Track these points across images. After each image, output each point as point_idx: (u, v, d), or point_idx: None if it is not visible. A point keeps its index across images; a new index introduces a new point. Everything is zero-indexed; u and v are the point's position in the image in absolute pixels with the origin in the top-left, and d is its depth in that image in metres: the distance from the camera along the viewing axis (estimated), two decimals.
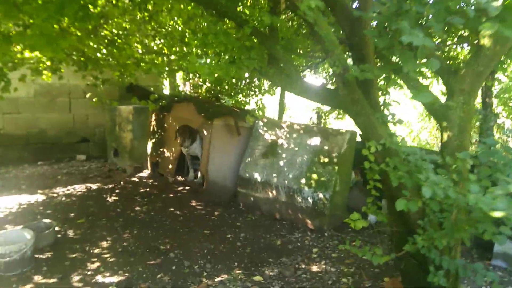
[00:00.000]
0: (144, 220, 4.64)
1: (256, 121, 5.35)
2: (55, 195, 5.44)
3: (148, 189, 5.69)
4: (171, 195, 5.47)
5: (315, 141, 4.84)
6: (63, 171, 6.73)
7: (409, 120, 12.01)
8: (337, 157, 4.57)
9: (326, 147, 4.72)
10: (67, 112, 7.81)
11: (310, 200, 4.59)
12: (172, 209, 5.01)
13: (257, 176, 5.08)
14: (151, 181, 6.07)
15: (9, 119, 7.21)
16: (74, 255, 3.79)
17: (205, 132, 5.33)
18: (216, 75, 2.67)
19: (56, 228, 4.31)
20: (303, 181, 4.69)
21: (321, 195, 4.51)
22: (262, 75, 2.78)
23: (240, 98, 6.45)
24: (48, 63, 5.38)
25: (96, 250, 3.91)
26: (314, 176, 4.63)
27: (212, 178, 5.26)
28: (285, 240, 4.30)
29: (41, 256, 3.73)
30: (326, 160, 4.64)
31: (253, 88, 6.37)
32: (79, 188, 5.74)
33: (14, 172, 6.63)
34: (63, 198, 5.28)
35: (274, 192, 4.91)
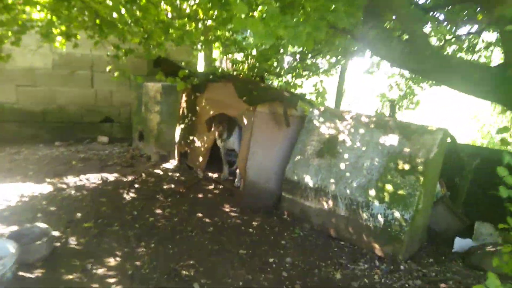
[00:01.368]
0: (165, 228, 3.75)
1: (310, 110, 4.27)
2: (64, 186, 4.66)
3: (173, 186, 4.80)
4: (200, 196, 4.55)
5: (391, 140, 3.71)
6: (80, 156, 5.98)
7: (478, 113, 10.46)
8: (424, 164, 3.44)
9: (407, 149, 3.59)
10: (89, 87, 7.05)
11: (381, 219, 3.52)
12: (200, 215, 4.08)
13: (308, 180, 4.04)
14: (177, 175, 5.18)
15: (24, 92, 6.53)
16: (70, 276, 2.95)
17: (245, 121, 4.33)
18: (267, 43, 1.65)
19: (56, 233, 3.52)
20: (372, 192, 3.61)
21: (397, 214, 3.42)
22: (355, 39, 1.72)
23: (290, 78, 5.34)
24: (63, 27, 4.54)
25: (100, 271, 3.06)
26: (389, 187, 3.53)
27: (252, 178, 4.28)
28: (347, 273, 3.27)
29: (28, 275, 2.93)
30: (407, 167, 3.52)
31: (307, 67, 5.24)
32: (94, 178, 4.94)
33: (26, 153, 5.95)
34: (73, 192, 4.49)
35: (330, 202, 3.87)
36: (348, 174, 3.83)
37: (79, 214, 3.94)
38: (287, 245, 3.66)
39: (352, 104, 9.60)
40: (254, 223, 4.02)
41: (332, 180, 3.89)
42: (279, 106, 4.21)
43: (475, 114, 9.97)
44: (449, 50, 5.45)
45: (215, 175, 5.03)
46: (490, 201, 4.06)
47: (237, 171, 4.59)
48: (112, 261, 3.20)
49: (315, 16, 1.62)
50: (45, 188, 4.56)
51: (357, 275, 3.25)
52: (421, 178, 3.41)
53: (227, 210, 4.27)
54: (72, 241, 3.47)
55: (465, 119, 10.29)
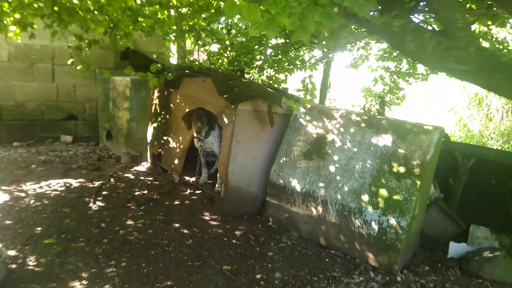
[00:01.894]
0: (138, 243, 3.38)
1: (297, 107, 3.97)
2: (22, 194, 4.18)
3: (146, 192, 4.41)
4: (177, 203, 4.19)
5: (385, 140, 3.48)
6: (41, 158, 5.46)
7: (456, 106, 10.50)
8: (420, 167, 3.22)
9: (401, 151, 3.36)
10: (50, 81, 6.49)
11: (375, 226, 3.29)
12: (177, 225, 3.73)
13: (295, 183, 3.76)
14: (150, 179, 4.78)
15: None
16: None
17: (225, 120, 3.98)
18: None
19: (12, 253, 3.07)
20: (365, 197, 3.37)
21: (393, 221, 3.19)
22: (372, 30, 1.42)
23: (273, 73, 4.99)
24: (16, 15, 4.03)
25: None
26: (383, 192, 3.30)
27: (234, 182, 3.95)
28: None
29: None
30: (402, 169, 3.30)
31: (291, 60, 4.90)
32: (56, 185, 4.47)
33: None
34: (32, 201, 4.02)
35: (320, 208, 3.60)
36: (338, 177, 3.57)
37: (39, 229, 3.50)
38: (275, 257, 3.36)
39: (336, 99, 9.37)
40: (238, 233, 3.70)
41: (321, 184, 3.62)
42: (262, 103, 3.88)
43: (452, 107, 10.00)
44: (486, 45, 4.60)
45: (193, 179, 4.66)
46: (485, 203, 3.92)
47: (218, 175, 4.25)
48: (77, 285, 2.81)
49: (325, 1, 1.30)
50: (1, 197, 4.06)
51: None
52: (418, 182, 3.19)
53: (207, 218, 3.93)
54: (31, 262, 3.04)
55: (443, 112, 10.32)
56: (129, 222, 3.71)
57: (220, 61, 4.99)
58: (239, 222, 3.90)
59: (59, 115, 6.66)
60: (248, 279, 3.03)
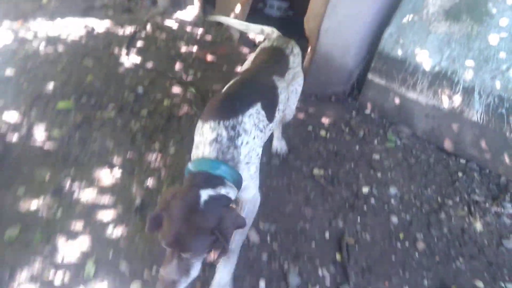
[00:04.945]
0: (189, 121, 2.40)
1: None
2: (30, 36, 3.13)
3: (195, 49, 3.26)
4: (238, 70, 3.06)
5: None
6: None
7: None
8: None
9: None
10: None
11: None
12: None
13: (423, 57, 2.53)
14: (200, 31, 3.58)
15: None
16: (30, 205, 1.72)
17: None
18: None
19: (12, 116, 2.19)
20: None
21: None
22: None
23: None
24: None
25: (85, 195, 1.81)
26: None
27: (325, 48, 2.74)
28: (489, 221, 2.04)
29: None
30: None
31: None
32: (75, 26, 3.36)
33: None
34: (43, 46, 2.99)
35: (458, 98, 2.44)
36: (503, 55, 2.28)
37: (51, 86, 2.54)
38: (383, 162, 2.36)
39: None
40: (326, 121, 2.65)
41: (469, 62, 2.37)
42: None
43: None
44: None
45: (260, 38, 3.42)
46: None
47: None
48: (105, 176, 1.93)
49: None
50: (1, 36, 3.03)
51: (507, 225, 2.03)
52: None
53: None
54: (40, 134, 2.14)
55: None
56: (176, 90, 2.67)
57: None
58: (325, 105, 2.81)
59: None
60: (351, 193, 2.08)
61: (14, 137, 2.08)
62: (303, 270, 1.67)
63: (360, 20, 2.74)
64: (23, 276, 1.49)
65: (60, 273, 1.51)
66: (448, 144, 2.56)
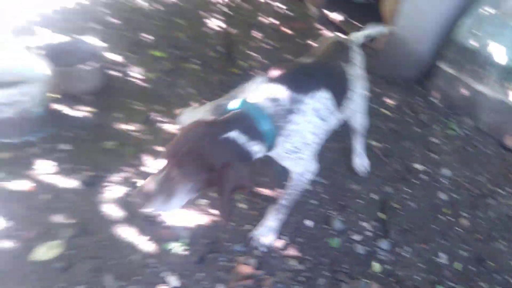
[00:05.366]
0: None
1: None
2: None
3: (272, 21, 3.48)
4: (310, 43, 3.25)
5: None
6: None
7: None
8: None
9: None
10: None
11: None
12: None
13: (497, 51, 2.54)
14: (279, 5, 3.78)
15: None
16: (125, 126, 2.07)
17: None
18: None
19: (113, 57, 2.56)
20: None
21: None
22: None
23: None
24: None
25: (169, 125, 2.13)
26: None
27: (400, 32, 2.82)
28: None
29: (69, 113, 2.08)
30: None
31: None
32: None
33: None
34: (147, 2, 3.37)
35: None
36: None
37: (147, 37, 2.89)
38: (441, 147, 2.45)
39: None
40: (390, 102, 2.77)
41: None
42: None
43: None
44: None
45: (340, 18, 3.55)
46: None
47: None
48: None
49: None
50: None
51: None
52: None
53: None
54: (136, 74, 2.50)
55: None
56: (254, 53, 2.92)
57: None
58: (392, 88, 2.92)
59: None
60: (405, 167, 2.22)
61: (116, 73, 2.46)
62: (347, 220, 1.86)
63: (437, 7, 2.79)
64: (114, 178, 1.83)
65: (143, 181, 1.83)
66: (509, 141, 2.58)
